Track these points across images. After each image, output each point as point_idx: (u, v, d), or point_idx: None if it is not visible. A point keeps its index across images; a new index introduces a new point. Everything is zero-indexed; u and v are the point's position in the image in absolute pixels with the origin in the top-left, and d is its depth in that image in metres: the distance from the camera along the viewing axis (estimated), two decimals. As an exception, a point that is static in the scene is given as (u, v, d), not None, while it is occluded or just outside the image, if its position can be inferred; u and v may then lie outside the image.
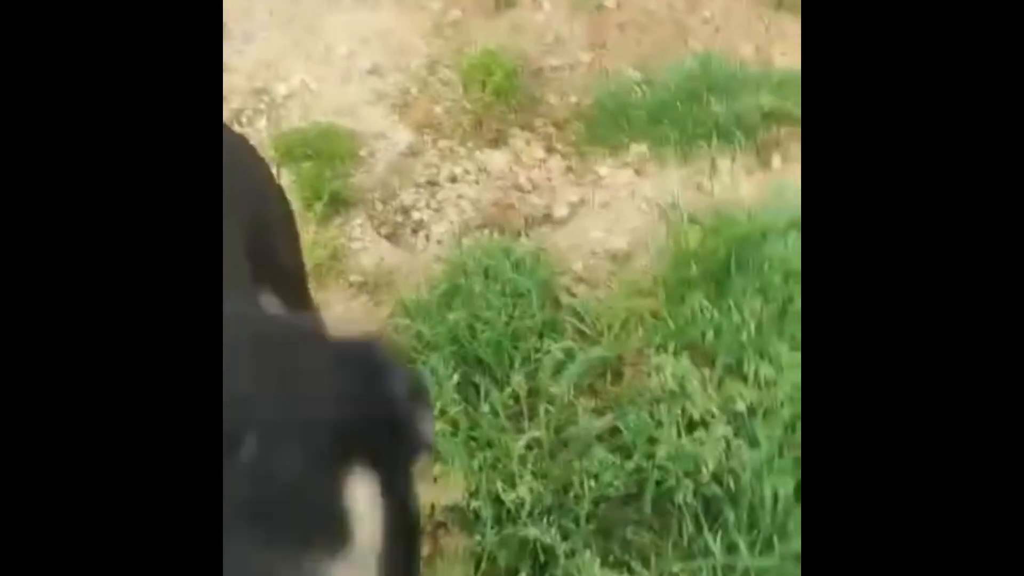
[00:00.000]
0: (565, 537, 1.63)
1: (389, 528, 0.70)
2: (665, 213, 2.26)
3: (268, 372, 0.66)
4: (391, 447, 0.73)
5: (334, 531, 0.65)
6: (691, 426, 1.74)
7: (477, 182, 2.50)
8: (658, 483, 1.68)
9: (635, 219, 2.30)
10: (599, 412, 1.84)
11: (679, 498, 1.66)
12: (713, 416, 1.73)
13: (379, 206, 2.47)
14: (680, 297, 1.99)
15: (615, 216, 2.32)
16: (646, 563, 1.64)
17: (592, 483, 1.70)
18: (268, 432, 0.60)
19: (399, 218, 2.45)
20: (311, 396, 0.67)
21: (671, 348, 1.84)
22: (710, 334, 1.89)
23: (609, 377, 1.94)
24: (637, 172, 2.43)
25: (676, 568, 1.62)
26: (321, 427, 0.66)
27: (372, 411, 0.72)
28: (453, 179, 2.52)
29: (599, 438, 1.78)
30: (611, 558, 1.64)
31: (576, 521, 1.66)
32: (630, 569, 1.63)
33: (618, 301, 2.05)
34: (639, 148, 2.47)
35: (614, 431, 1.80)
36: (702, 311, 1.94)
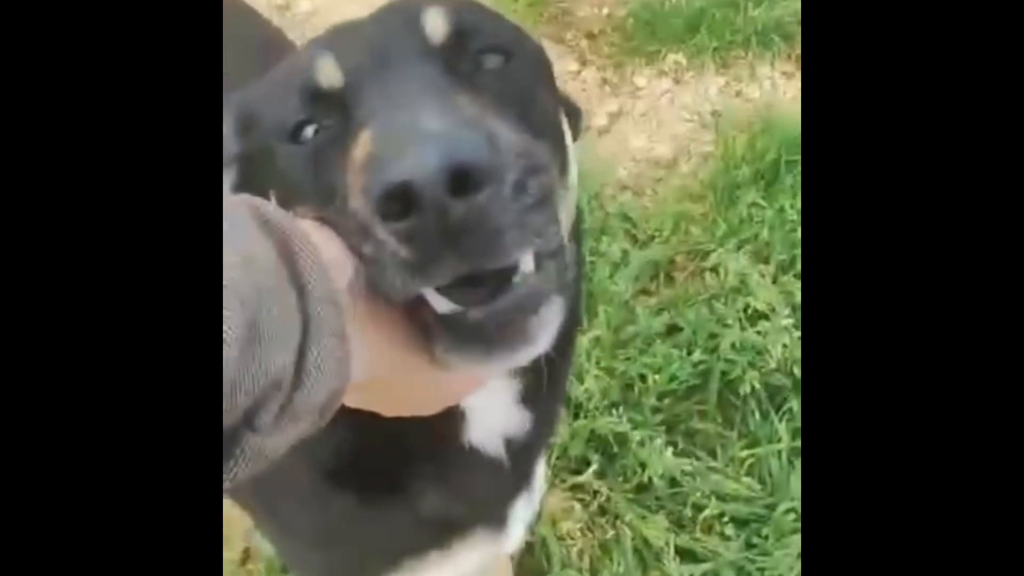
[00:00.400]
0: (634, 428, 1.66)
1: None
2: (709, 119, 2.25)
3: None
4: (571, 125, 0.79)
5: (562, 147, 0.71)
6: (752, 319, 1.77)
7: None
8: (723, 374, 1.71)
9: (677, 127, 2.29)
10: (656, 311, 1.86)
11: (744, 388, 1.69)
12: (774, 309, 1.76)
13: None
14: (731, 199, 2.00)
15: (656, 124, 2.31)
16: (712, 453, 1.68)
17: (656, 377, 1.72)
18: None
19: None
20: None
21: (729, 246, 1.85)
22: (764, 232, 1.90)
23: (662, 278, 1.95)
24: (675, 81, 2.41)
25: (743, 455, 1.66)
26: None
27: None
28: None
29: (660, 335, 1.80)
30: (678, 448, 1.67)
31: (642, 413, 1.69)
32: (697, 458, 1.66)
33: (667, 206, 2.06)
34: (676, 57, 2.44)
35: (673, 328, 1.82)
36: (754, 211, 1.95)
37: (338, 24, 0.73)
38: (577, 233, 0.81)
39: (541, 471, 1.05)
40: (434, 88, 0.61)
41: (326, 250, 0.56)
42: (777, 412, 1.68)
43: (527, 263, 0.58)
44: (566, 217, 0.69)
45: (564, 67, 2.54)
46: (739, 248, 1.88)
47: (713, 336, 1.77)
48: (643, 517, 1.57)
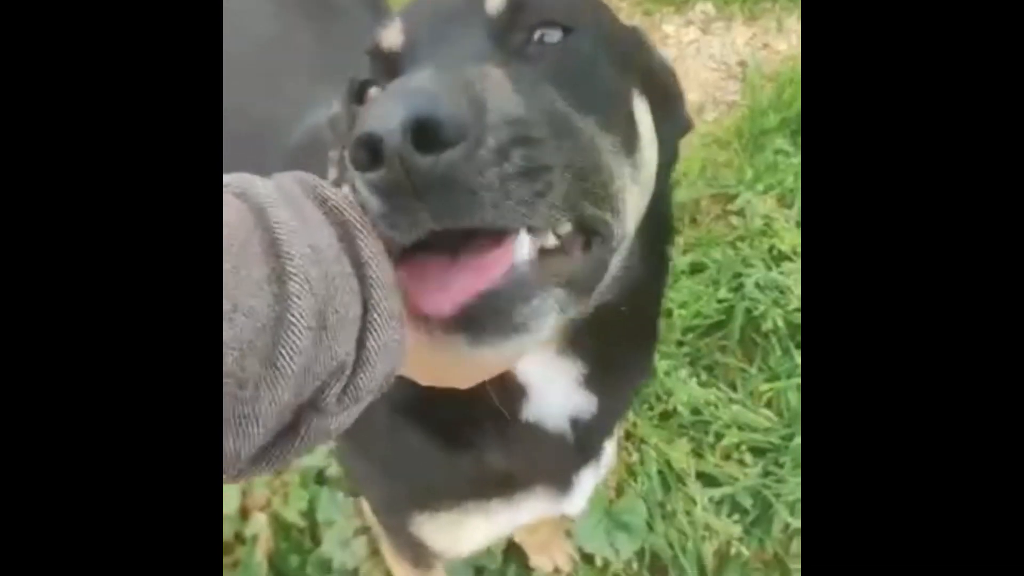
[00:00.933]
0: (661, 358, 1.72)
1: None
2: (736, 69, 2.28)
3: None
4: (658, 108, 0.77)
5: (627, 128, 0.69)
6: (777, 260, 1.83)
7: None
8: (747, 311, 1.77)
9: (704, 75, 2.33)
10: (682, 250, 1.91)
11: (767, 325, 1.75)
12: (797, 251, 1.81)
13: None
14: (757, 146, 2.05)
15: (683, 71, 2.34)
16: (732, 385, 1.75)
17: (682, 312, 1.78)
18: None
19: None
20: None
21: (757, 190, 1.90)
22: (789, 179, 1.95)
23: (687, 220, 2.00)
24: (703, 31, 2.44)
25: (763, 388, 1.72)
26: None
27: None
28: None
29: (685, 273, 1.86)
30: (701, 379, 1.74)
31: (668, 345, 1.76)
32: (719, 389, 1.73)
33: (694, 151, 2.10)
34: (704, 7, 2.47)
35: (698, 267, 1.88)
36: (780, 158, 2.00)
37: None
38: (662, 223, 0.80)
39: (612, 446, 1.07)
40: (469, 57, 0.62)
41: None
42: (797, 348, 1.74)
43: (521, 249, 0.56)
44: (632, 195, 0.68)
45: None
46: (765, 192, 1.93)
47: (737, 275, 1.83)
48: (668, 442, 1.64)
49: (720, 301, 1.79)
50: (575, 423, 0.87)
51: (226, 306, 0.47)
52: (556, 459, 0.93)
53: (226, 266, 0.48)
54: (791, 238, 1.82)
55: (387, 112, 0.50)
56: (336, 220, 0.55)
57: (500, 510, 0.97)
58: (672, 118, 0.80)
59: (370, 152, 0.51)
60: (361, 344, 0.54)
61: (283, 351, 0.49)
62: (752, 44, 2.40)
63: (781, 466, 1.65)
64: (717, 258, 1.85)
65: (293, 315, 0.49)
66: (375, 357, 0.54)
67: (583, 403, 0.86)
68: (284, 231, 0.52)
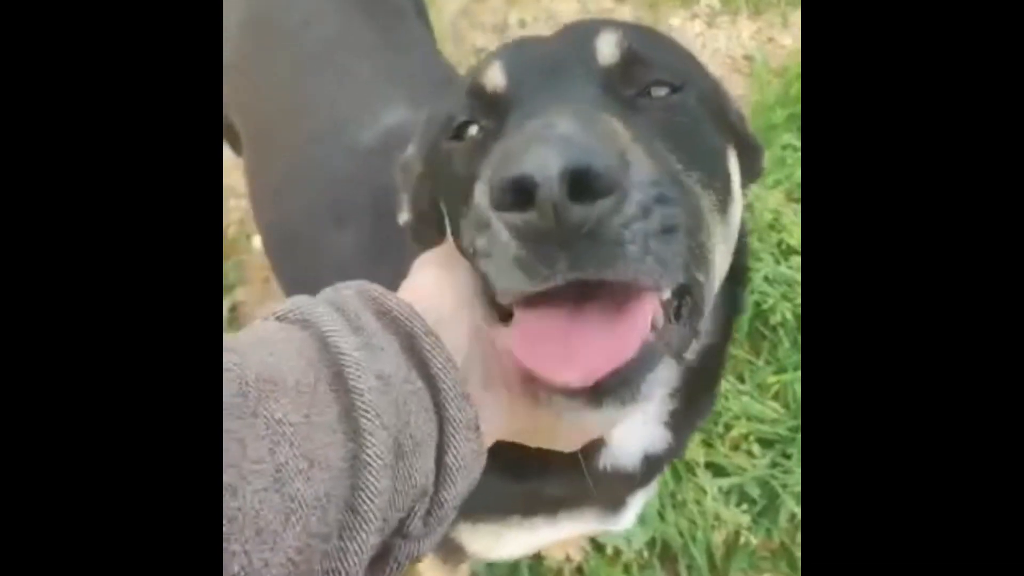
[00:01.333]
0: (670, 350, 1.74)
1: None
2: (742, 63, 2.30)
3: None
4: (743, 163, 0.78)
5: (724, 185, 0.70)
6: (786, 254, 1.85)
7: (546, 29, 2.50)
8: (756, 304, 1.80)
9: (711, 67, 2.34)
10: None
11: (775, 318, 1.78)
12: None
13: (449, 47, 2.46)
14: (765, 140, 2.06)
15: (690, 65, 2.36)
16: (741, 377, 1.78)
17: (691, 304, 1.80)
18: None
19: (472, 59, 2.45)
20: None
21: (765, 184, 1.92)
22: (797, 174, 1.98)
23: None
24: (708, 24, 2.45)
25: (771, 380, 1.75)
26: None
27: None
28: (523, 24, 2.52)
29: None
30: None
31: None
32: (727, 381, 1.76)
33: (701, 144, 2.12)
34: (709, 0, 2.48)
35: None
36: (788, 153, 2.02)
37: (521, 37, 0.75)
38: (739, 274, 0.80)
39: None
40: (588, 104, 0.61)
41: (448, 329, 0.58)
42: (805, 342, 1.77)
43: (650, 319, 0.56)
44: (720, 255, 0.68)
45: (599, 5, 2.56)
46: (773, 187, 1.95)
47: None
48: (678, 432, 1.66)
49: (729, 294, 1.81)
50: (647, 459, 0.88)
51: (302, 464, 0.46)
52: (618, 489, 0.94)
53: (299, 416, 0.48)
54: (799, 233, 1.84)
55: (542, 157, 0.49)
56: (399, 330, 0.55)
57: (543, 526, 0.97)
58: (752, 170, 0.81)
59: (521, 195, 0.50)
60: (440, 462, 0.54)
61: (362, 495, 0.48)
62: (757, 38, 2.41)
63: (788, 457, 1.68)
64: (726, 251, 1.87)
65: (368, 454, 0.49)
66: (455, 474, 0.54)
67: (661, 440, 0.87)
68: (350, 363, 0.51)
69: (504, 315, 0.60)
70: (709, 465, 1.66)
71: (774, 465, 1.67)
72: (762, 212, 1.88)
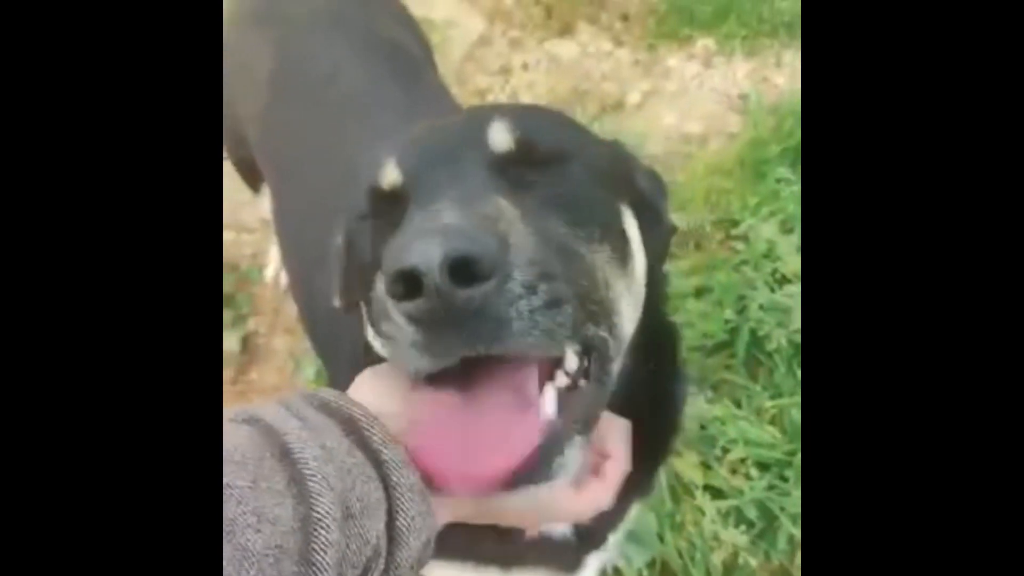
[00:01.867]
0: (669, 376, 1.79)
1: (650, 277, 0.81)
2: (737, 102, 2.38)
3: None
4: (644, 218, 0.83)
5: (619, 242, 0.75)
6: (780, 283, 1.91)
7: (548, 72, 2.60)
8: (751, 331, 1.85)
9: (706, 107, 2.43)
10: (687, 273, 1.99)
11: (771, 345, 1.83)
12: (799, 275, 1.89)
13: (455, 89, 2.56)
14: (759, 174, 2.14)
15: (687, 104, 2.44)
16: (738, 403, 1.82)
17: (690, 332, 1.86)
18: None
19: (475, 101, 2.55)
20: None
21: (760, 215, 1.98)
22: (791, 207, 2.04)
23: (691, 245, 2.09)
24: (705, 65, 2.55)
25: (767, 405, 1.79)
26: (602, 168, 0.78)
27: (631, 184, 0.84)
28: (525, 67, 2.62)
29: (691, 295, 1.93)
30: (708, 396, 1.81)
31: (675, 364, 1.83)
32: (725, 407, 1.80)
33: (698, 180, 2.19)
34: (706, 42, 2.58)
35: (703, 290, 1.96)
36: (781, 186, 2.09)
37: (419, 127, 0.81)
38: (655, 336, 0.85)
39: (619, 533, 1.06)
40: (480, 188, 0.66)
41: (389, 420, 0.63)
42: (800, 367, 1.82)
43: (549, 404, 0.61)
44: (627, 306, 0.73)
45: (599, 47, 2.67)
46: (768, 218, 2.01)
47: (742, 297, 1.90)
48: (677, 455, 1.70)
49: (726, 322, 1.86)
50: (576, 529, 0.92)
51: (251, 519, 0.50)
52: (563, 553, 0.97)
53: (245, 482, 0.52)
54: (793, 262, 1.90)
55: (425, 248, 0.53)
56: (341, 418, 0.61)
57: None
58: (659, 223, 0.86)
59: (410, 284, 0.54)
60: (391, 526, 0.59)
61: (315, 546, 0.53)
62: (752, 78, 2.50)
63: (785, 480, 1.71)
64: (722, 281, 1.93)
65: (318, 512, 0.54)
66: (407, 535, 0.59)
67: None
68: (294, 439, 0.57)
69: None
70: (707, 487, 1.69)
71: (771, 488, 1.70)
72: (757, 242, 1.95)
